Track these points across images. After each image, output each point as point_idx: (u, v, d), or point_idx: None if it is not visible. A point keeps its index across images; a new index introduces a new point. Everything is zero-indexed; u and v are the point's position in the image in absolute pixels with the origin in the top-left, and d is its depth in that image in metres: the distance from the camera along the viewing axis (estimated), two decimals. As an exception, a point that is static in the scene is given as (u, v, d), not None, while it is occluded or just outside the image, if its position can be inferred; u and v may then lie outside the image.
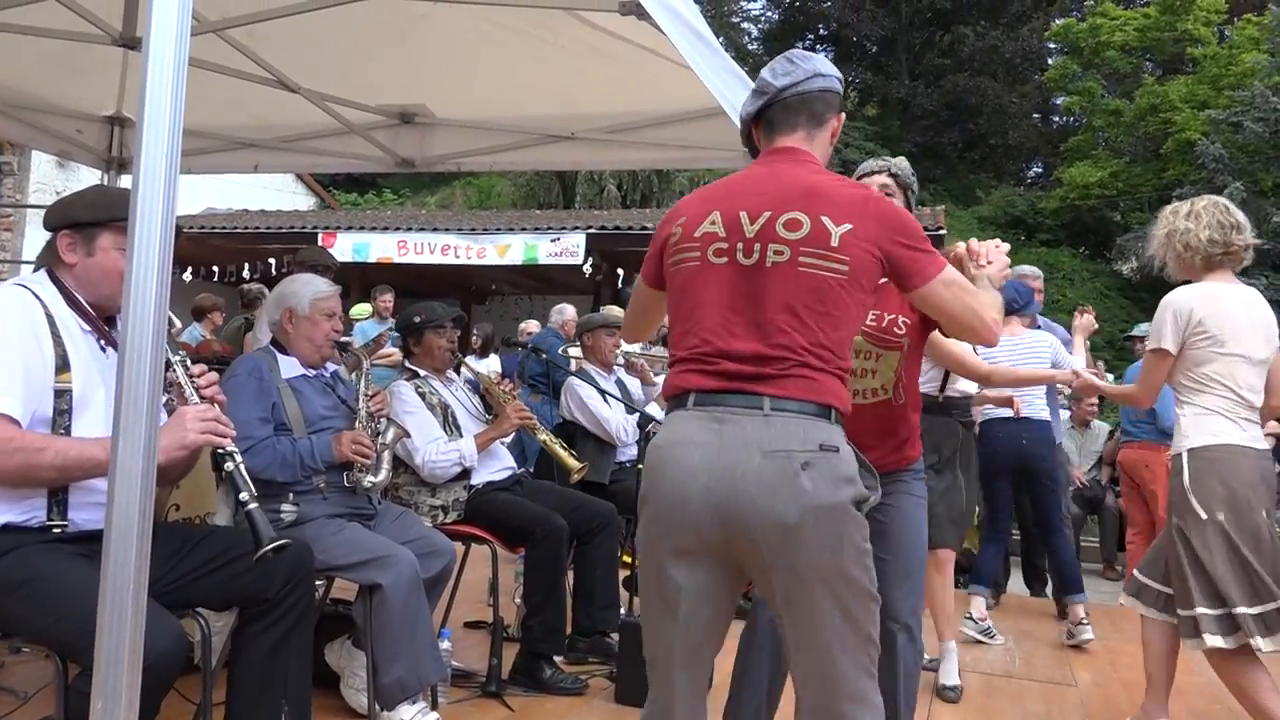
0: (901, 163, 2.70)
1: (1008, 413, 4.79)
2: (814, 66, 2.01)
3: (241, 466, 2.13)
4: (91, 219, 2.21)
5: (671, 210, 2.08)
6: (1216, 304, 3.06)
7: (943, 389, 4.06)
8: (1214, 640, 2.93)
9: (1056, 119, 29.70)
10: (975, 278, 2.16)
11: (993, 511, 5.19)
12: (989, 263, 2.24)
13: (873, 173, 2.69)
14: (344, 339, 3.25)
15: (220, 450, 2.13)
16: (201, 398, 2.15)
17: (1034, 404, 4.92)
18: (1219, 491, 2.98)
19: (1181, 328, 3.07)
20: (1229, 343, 3.04)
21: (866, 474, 1.84)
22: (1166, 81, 22.39)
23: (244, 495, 2.09)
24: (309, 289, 3.17)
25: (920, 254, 1.90)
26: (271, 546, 2.06)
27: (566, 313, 8.13)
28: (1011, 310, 4.64)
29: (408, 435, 3.43)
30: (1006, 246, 2.31)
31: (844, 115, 2.07)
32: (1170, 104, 21.38)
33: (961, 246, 2.30)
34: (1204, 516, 2.97)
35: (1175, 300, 3.11)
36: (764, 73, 2.04)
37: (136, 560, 1.47)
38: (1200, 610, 2.96)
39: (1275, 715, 2.92)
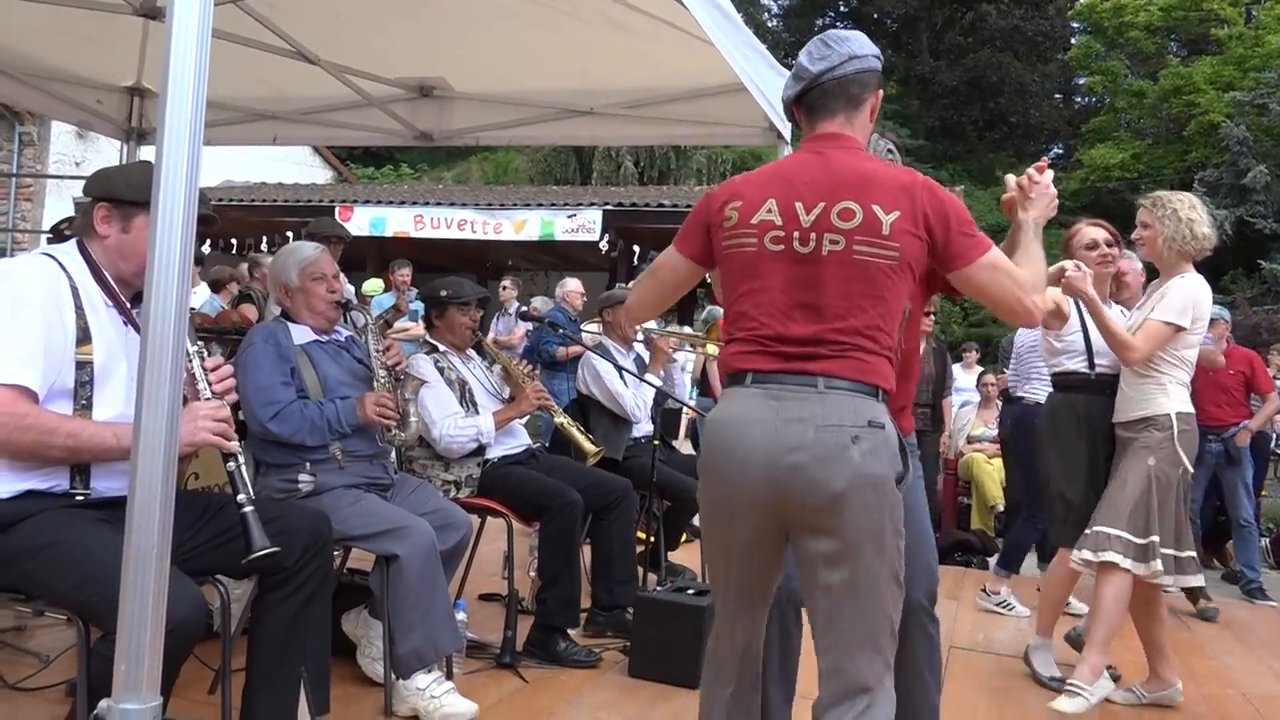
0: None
1: None
2: (849, 49, 2.04)
3: (243, 468, 2.11)
4: (133, 198, 2.19)
5: (722, 188, 2.10)
6: (1207, 294, 3.44)
7: (1091, 364, 3.65)
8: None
9: (1079, 99, 29.42)
10: (1022, 223, 2.17)
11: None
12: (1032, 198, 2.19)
13: None
14: (345, 299, 3.25)
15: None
16: (214, 394, 2.14)
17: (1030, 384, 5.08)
18: (1190, 449, 3.39)
19: (1196, 311, 3.38)
20: (1200, 328, 3.44)
21: (903, 454, 1.94)
22: (1191, 62, 22.12)
23: (241, 497, 2.05)
24: (293, 259, 3.18)
25: (964, 237, 1.96)
26: (261, 554, 2.02)
27: (569, 285, 8.17)
28: None
29: (426, 383, 3.46)
30: (1050, 174, 2.22)
31: (881, 92, 2.10)
32: (1194, 85, 21.12)
33: (1011, 180, 2.24)
34: (1188, 468, 3.37)
35: (1200, 287, 3.39)
36: (801, 57, 2.08)
37: (160, 526, 1.49)
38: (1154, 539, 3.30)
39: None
